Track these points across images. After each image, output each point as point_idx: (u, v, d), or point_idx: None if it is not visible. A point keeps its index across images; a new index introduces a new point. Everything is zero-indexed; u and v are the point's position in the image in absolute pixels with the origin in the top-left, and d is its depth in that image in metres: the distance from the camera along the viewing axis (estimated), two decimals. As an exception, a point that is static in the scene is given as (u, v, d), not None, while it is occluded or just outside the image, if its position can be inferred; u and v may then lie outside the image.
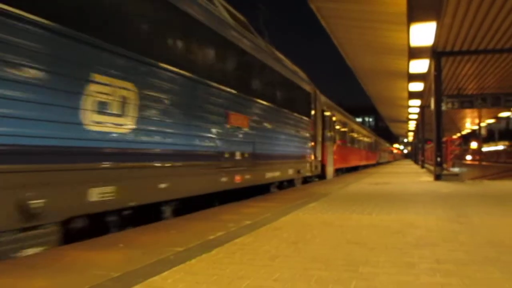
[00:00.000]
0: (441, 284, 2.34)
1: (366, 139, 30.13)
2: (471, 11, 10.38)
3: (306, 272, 2.63)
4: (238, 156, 6.86)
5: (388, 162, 52.45)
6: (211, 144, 5.98)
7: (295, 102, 10.58)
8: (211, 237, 3.80)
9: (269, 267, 2.77)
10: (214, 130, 6.08)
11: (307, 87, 12.14)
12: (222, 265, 2.82)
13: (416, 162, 40.86)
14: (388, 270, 2.63)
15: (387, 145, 59.77)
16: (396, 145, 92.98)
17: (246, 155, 7.14)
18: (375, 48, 14.48)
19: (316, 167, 12.58)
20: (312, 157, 12.12)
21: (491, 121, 39.77)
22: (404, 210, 5.59)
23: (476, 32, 11.86)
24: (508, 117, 45.30)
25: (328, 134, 14.68)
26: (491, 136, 53.00)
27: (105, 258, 3.05)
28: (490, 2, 9.87)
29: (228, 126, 6.50)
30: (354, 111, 49.29)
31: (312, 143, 12.20)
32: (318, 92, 13.56)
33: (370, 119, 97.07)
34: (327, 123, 14.57)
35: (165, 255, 3.09)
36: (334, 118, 16.26)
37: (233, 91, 6.76)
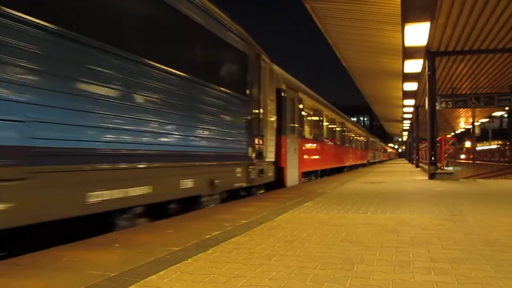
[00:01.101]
0: (435, 282, 2.36)
1: (353, 135, 25.83)
2: (465, 12, 10.45)
3: (302, 270, 2.65)
4: None
5: (382, 162, 52.26)
6: None
7: (203, 63, 6.18)
8: (207, 236, 3.81)
9: (265, 266, 2.78)
10: None
11: (240, 45, 7.49)
12: (218, 264, 2.83)
13: (410, 161, 41.07)
14: (383, 269, 2.65)
15: (381, 143, 58.46)
16: (390, 144, 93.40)
17: None
18: (370, 48, 14.55)
19: (262, 172, 8.34)
20: (252, 155, 7.80)
21: (485, 120, 40.08)
22: (399, 209, 5.62)
23: (470, 33, 11.94)
24: (501, 116, 45.66)
25: (290, 125, 10.55)
26: (484, 135, 53.32)
27: (101, 258, 3.05)
28: (483, 3, 9.94)
29: None
30: (349, 111, 49.43)
31: (256, 137, 8.01)
32: (267, 60, 9.01)
33: (365, 119, 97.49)
34: (287, 109, 10.37)
35: (162, 255, 3.10)
36: (300, 103, 11.92)
37: None
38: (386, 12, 10.57)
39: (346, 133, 22.65)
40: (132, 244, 3.54)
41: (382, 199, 7.00)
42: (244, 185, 7.58)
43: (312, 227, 4.28)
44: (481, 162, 30.14)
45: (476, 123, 38.61)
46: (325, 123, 16.44)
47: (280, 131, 9.79)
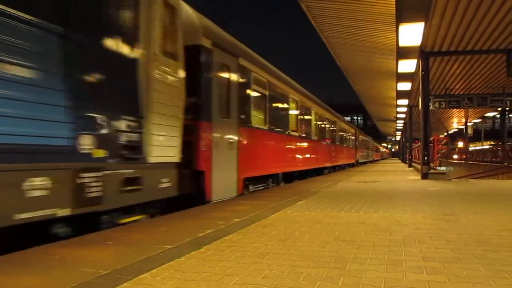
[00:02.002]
0: (427, 281, 2.38)
1: (337, 130, 21.04)
2: (459, 13, 10.51)
3: (295, 269, 2.65)
4: None
5: (374, 161, 52.03)
6: None
7: None
8: (201, 234, 3.81)
9: (258, 264, 2.78)
10: None
11: None
12: (211, 262, 2.82)
13: (403, 160, 41.27)
14: (375, 268, 2.67)
15: (373, 142, 56.96)
16: (383, 144, 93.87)
17: None
18: (364, 48, 14.60)
19: (134, 182, 4.60)
20: (98, 152, 4.09)
21: (478, 120, 40.36)
22: (392, 208, 5.64)
23: (464, 33, 12.01)
24: (494, 117, 46.03)
25: (218, 106, 6.80)
26: (477, 135, 53.71)
27: (94, 256, 3.03)
28: (477, 3, 10.00)
29: None
30: (343, 110, 49.42)
31: (115, 116, 4.36)
32: None
33: (359, 118, 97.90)
34: (214, 80, 6.64)
35: (155, 253, 3.09)
36: (242, 75, 7.86)
37: None
38: (380, 12, 10.61)
39: (327, 127, 18.16)
40: (125, 241, 3.52)
41: (375, 198, 7.03)
42: (61, 213, 3.62)
43: (305, 225, 4.29)
44: (474, 162, 30.37)
45: (469, 124, 38.86)
46: (291, 110, 11.85)
47: (198, 113, 6.23)
